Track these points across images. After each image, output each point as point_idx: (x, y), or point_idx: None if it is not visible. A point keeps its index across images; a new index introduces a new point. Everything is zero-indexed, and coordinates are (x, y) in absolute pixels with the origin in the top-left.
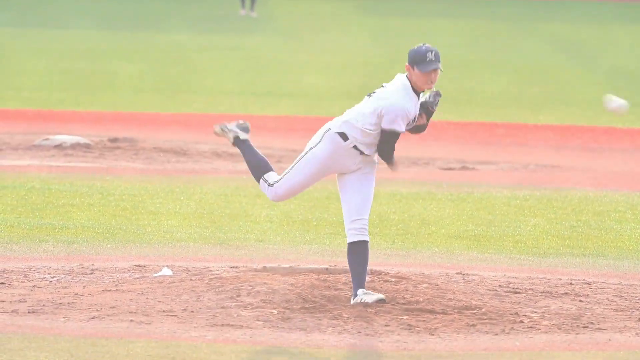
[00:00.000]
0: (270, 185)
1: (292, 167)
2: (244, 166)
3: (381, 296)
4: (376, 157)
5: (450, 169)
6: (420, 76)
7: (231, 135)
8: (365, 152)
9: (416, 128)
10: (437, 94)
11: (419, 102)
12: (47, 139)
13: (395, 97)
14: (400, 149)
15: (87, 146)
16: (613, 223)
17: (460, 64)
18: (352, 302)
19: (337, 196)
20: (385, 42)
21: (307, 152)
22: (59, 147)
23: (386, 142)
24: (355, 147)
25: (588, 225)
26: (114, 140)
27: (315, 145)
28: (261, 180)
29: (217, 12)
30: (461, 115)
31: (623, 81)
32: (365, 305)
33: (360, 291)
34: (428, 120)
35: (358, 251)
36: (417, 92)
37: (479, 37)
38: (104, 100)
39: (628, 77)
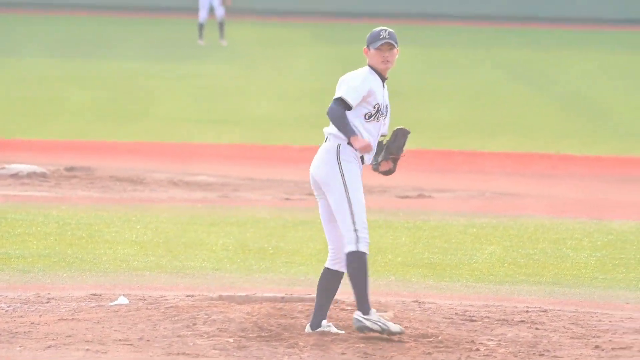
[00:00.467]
0: (357, 240)
1: (348, 204)
2: (199, 195)
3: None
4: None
5: (406, 197)
6: (375, 55)
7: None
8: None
9: (385, 173)
10: (403, 133)
11: (386, 146)
12: (3, 168)
13: (350, 73)
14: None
15: (43, 175)
16: (569, 251)
17: (415, 91)
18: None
19: (292, 224)
20: (341, 69)
21: (343, 183)
22: (15, 176)
23: (332, 109)
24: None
25: (544, 253)
26: (70, 169)
27: (340, 169)
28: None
29: (171, 39)
30: (417, 143)
31: (577, 108)
32: (327, 333)
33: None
34: (394, 166)
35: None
36: (380, 76)
37: (433, 64)
38: (57, 129)
39: (582, 103)
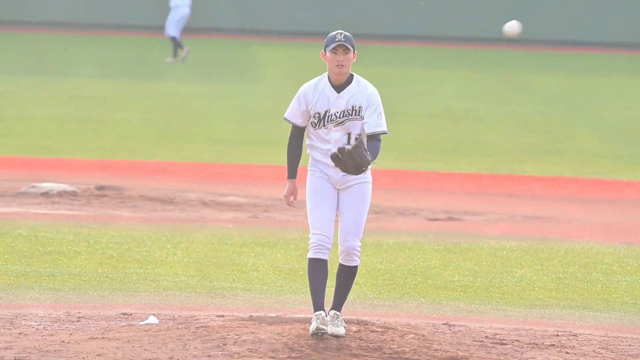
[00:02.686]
0: (309, 246)
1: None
2: (230, 215)
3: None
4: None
5: (436, 219)
6: (330, 58)
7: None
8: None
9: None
10: (359, 142)
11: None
12: (33, 187)
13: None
14: (387, 199)
15: (73, 194)
16: (599, 275)
17: (445, 114)
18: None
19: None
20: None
21: (307, 191)
22: (46, 194)
23: (290, 135)
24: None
25: (574, 277)
26: (101, 188)
27: (307, 178)
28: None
29: (199, 60)
30: (447, 166)
31: (609, 132)
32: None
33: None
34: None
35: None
36: (334, 85)
37: (466, 88)
38: (90, 148)
39: (614, 128)
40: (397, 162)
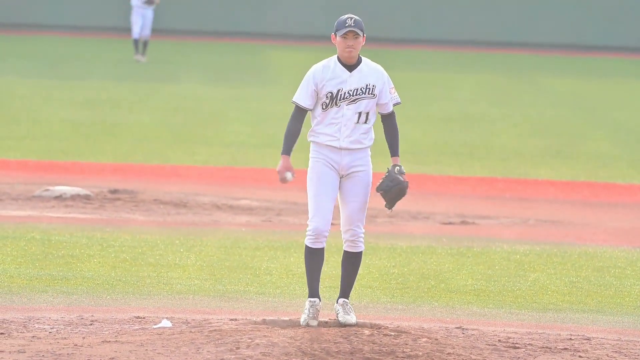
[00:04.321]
0: (306, 232)
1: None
2: (243, 219)
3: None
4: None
5: (450, 223)
6: (340, 42)
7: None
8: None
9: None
10: (399, 190)
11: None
12: (47, 190)
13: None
14: (401, 202)
15: (87, 197)
16: (613, 279)
17: (460, 117)
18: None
19: (335, 250)
20: None
21: (308, 177)
22: (59, 198)
23: (290, 117)
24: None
25: (588, 281)
26: (114, 191)
27: (309, 164)
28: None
29: (211, 62)
30: (461, 170)
31: (623, 136)
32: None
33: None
34: (388, 203)
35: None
36: (345, 64)
37: (480, 91)
38: (104, 151)
39: (628, 132)
40: (411, 165)
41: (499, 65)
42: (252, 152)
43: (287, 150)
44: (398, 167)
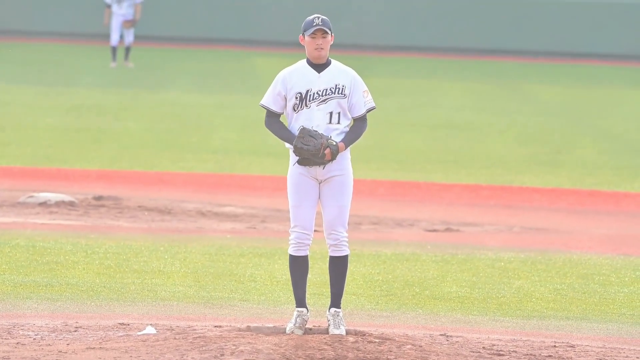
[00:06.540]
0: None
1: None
2: (228, 225)
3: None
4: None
5: (434, 230)
6: (309, 42)
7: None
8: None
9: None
10: (300, 132)
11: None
12: (31, 197)
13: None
14: (386, 210)
15: (71, 204)
16: (597, 286)
17: (446, 124)
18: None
19: (320, 256)
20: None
21: (288, 185)
22: (44, 204)
23: (266, 123)
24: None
25: (572, 288)
26: (99, 198)
27: (288, 172)
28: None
29: (197, 70)
30: (446, 177)
31: (609, 143)
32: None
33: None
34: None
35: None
36: (314, 66)
37: (465, 98)
38: (90, 158)
39: (615, 140)
40: (396, 172)
41: (484, 73)
42: (237, 159)
43: (290, 138)
44: (327, 137)
